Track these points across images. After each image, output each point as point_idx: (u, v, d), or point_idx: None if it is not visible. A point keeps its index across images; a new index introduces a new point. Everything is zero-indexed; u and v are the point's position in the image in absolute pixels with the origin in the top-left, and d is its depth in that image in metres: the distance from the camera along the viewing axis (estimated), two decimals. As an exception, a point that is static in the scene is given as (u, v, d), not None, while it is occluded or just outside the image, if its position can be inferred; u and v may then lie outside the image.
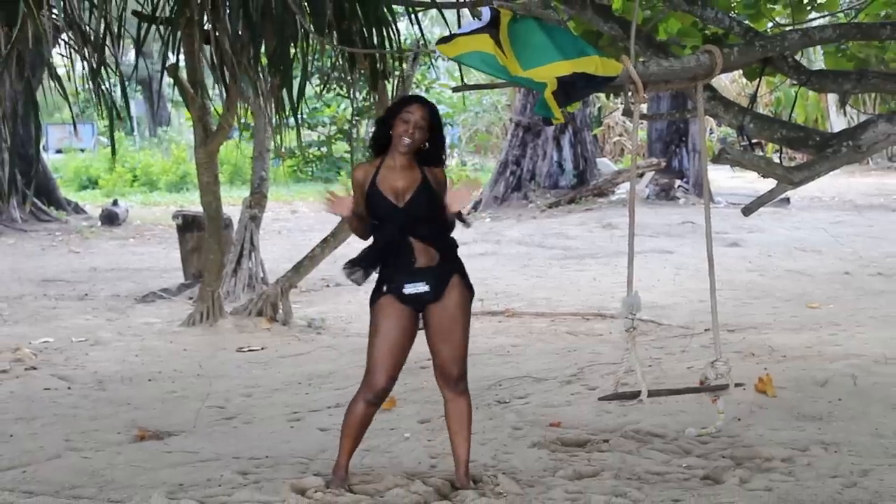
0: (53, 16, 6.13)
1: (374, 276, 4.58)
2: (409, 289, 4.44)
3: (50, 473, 4.98)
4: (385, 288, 4.48)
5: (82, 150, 29.53)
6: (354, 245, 4.64)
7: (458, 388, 4.56)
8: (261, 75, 6.84)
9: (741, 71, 6.46)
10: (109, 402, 6.67)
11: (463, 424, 4.58)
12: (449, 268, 4.51)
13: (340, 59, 7.10)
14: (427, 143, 4.50)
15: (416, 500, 4.43)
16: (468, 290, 4.55)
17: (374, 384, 4.48)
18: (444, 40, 4.69)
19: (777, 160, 5.74)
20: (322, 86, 10.57)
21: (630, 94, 4.85)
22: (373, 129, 4.66)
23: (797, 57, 6.08)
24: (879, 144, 5.43)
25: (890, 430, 5.41)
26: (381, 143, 4.53)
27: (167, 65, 7.04)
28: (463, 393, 4.58)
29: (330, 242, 9.66)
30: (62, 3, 5.88)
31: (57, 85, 6.10)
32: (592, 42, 5.73)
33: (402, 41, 7.10)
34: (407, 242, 4.44)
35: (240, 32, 6.24)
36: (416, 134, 4.43)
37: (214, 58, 6.87)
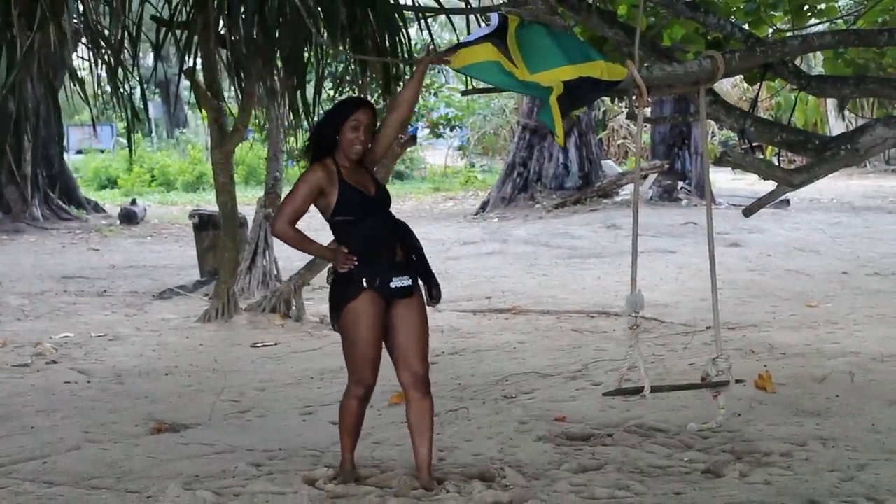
0: (74, 20, 6.22)
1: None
2: (397, 282, 4.42)
3: (69, 464, 5.06)
4: (366, 282, 4.38)
5: (102, 151, 29.58)
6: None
7: (426, 388, 4.53)
8: (275, 78, 6.94)
9: (742, 76, 6.51)
10: (127, 395, 6.75)
11: (426, 426, 4.54)
12: (416, 265, 4.52)
13: (353, 64, 7.19)
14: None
15: (425, 491, 4.48)
16: None
17: (365, 382, 4.51)
18: (447, 52, 4.74)
19: (777, 163, 5.81)
20: (335, 89, 10.66)
21: (634, 98, 4.86)
22: (314, 133, 4.58)
23: (797, 62, 6.14)
24: (877, 148, 5.46)
25: (886, 426, 5.46)
26: (326, 145, 4.44)
27: (184, 68, 7.13)
28: (428, 393, 4.56)
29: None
30: (82, 7, 5.97)
31: (78, 88, 6.20)
32: (598, 47, 5.72)
33: (413, 46, 7.21)
34: (391, 237, 4.46)
35: (254, 36, 6.33)
36: (367, 139, 4.43)
37: (230, 61, 6.98)
